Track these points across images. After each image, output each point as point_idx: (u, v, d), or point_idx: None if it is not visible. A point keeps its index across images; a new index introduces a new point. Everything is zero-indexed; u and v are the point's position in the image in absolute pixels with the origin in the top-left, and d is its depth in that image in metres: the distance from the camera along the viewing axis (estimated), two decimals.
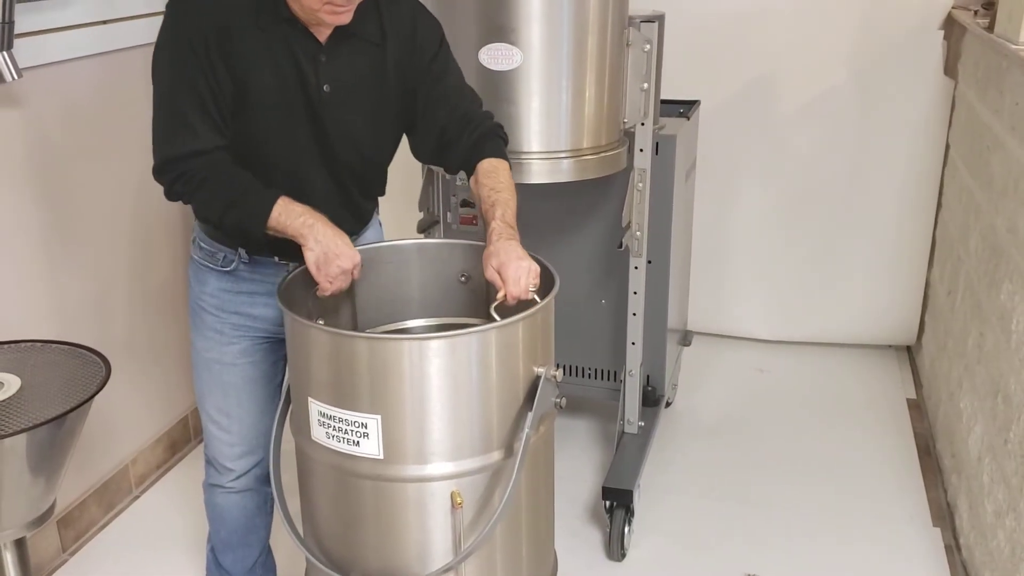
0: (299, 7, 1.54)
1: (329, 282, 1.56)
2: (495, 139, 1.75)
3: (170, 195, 1.60)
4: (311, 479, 1.57)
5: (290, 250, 1.59)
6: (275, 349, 1.81)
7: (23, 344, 1.90)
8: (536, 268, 1.55)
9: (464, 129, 1.71)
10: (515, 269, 1.52)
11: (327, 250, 1.54)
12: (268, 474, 1.81)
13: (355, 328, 1.72)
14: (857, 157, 3.18)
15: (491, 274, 1.55)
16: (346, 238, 1.57)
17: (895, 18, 3.01)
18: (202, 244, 1.76)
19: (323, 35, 1.59)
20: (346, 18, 1.54)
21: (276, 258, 1.72)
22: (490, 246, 1.57)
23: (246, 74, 1.55)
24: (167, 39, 1.55)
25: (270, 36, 1.56)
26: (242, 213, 1.56)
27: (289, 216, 1.54)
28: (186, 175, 1.55)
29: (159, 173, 1.58)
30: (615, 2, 2.14)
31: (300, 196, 1.57)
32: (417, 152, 1.79)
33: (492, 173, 1.68)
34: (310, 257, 1.54)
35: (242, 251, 1.72)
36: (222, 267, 1.74)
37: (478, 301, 1.80)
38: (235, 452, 1.83)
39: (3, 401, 1.68)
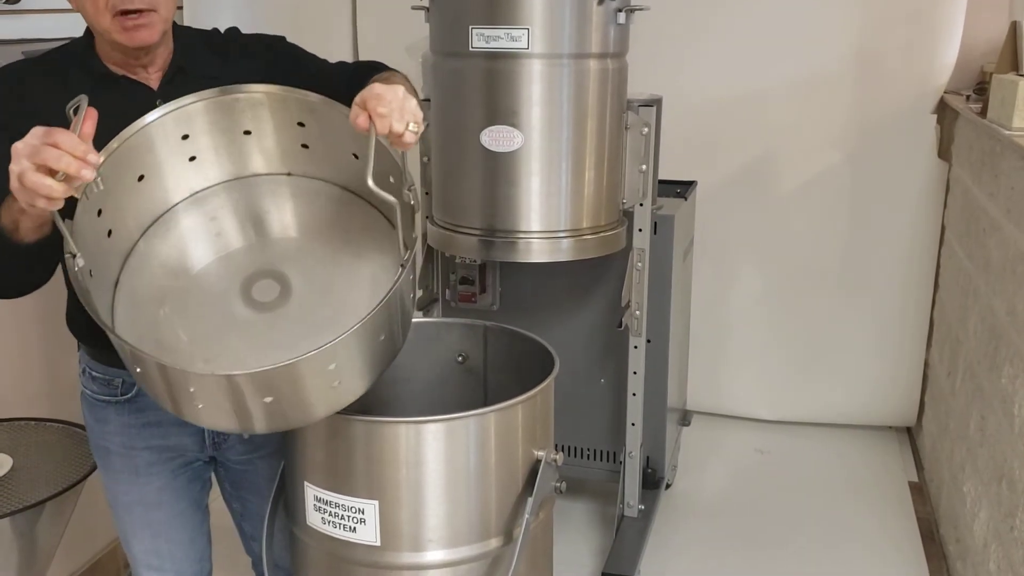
0: (105, 46, 1.39)
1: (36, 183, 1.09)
2: (377, 68, 1.54)
3: None
4: (305, 566, 1.54)
5: None
6: (199, 474, 1.68)
7: (17, 422, 1.88)
8: (415, 102, 1.25)
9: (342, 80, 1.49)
10: (382, 90, 1.22)
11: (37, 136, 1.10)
12: None
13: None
14: (853, 238, 3.20)
15: (354, 113, 1.23)
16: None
17: (888, 102, 3.06)
18: (94, 373, 1.57)
19: (153, 79, 1.47)
20: (146, 35, 1.38)
21: None
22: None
23: None
24: None
25: (92, 104, 1.38)
26: None
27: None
28: None
29: None
30: (614, 86, 2.17)
31: None
32: None
33: (382, 78, 1.43)
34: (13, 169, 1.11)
35: None
36: (122, 396, 1.56)
37: (475, 381, 1.79)
38: None
39: None
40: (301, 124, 1.44)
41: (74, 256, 1.23)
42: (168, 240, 1.45)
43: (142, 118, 1.36)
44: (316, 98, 1.40)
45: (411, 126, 1.24)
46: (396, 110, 1.22)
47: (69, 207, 1.21)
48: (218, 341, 1.37)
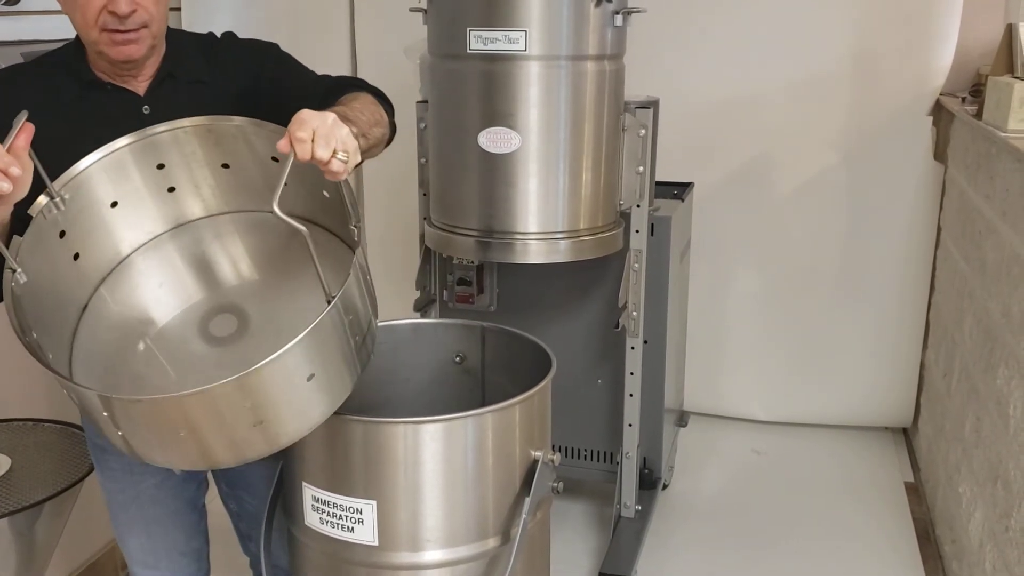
0: (94, 54, 1.40)
1: None
2: (355, 86, 1.52)
3: None
4: (303, 566, 1.54)
5: None
6: (195, 473, 1.68)
7: (15, 423, 1.89)
8: (346, 131, 1.21)
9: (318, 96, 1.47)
10: (307, 116, 1.18)
11: None
12: None
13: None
14: (850, 239, 3.21)
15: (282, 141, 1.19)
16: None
17: (884, 104, 3.07)
18: None
19: (140, 86, 1.47)
20: (134, 50, 1.39)
21: None
22: None
23: (59, 163, 1.35)
24: None
25: (78, 112, 1.43)
26: None
27: None
28: None
29: None
30: (611, 88, 2.18)
31: None
32: None
33: (347, 100, 1.41)
34: None
35: None
36: None
37: (473, 382, 1.80)
38: None
39: None
40: (275, 159, 1.39)
41: (14, 272, 1.25)
42: (140, 275, 1.47)
43: (79, 163, 1.36)
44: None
45: (340, 155, 1.18)
46: (322, 136, 1.17)
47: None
48: (195, 374, 1.37)
